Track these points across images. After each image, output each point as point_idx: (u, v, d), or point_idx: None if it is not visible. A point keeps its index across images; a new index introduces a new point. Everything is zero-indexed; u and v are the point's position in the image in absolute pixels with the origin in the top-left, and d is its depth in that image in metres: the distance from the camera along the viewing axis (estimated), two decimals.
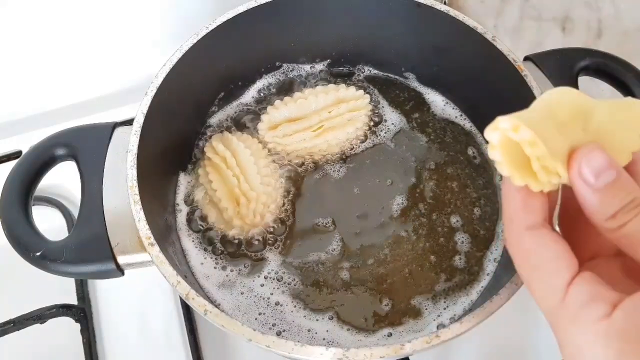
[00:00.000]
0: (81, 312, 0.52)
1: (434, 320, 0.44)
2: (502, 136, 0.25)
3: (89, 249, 0.40)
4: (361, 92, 0.53)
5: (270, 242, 0.48)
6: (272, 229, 0.48)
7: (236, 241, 0.48)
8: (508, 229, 0.27)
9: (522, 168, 0.26)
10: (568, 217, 0.30)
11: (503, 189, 0.28)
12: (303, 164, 0.52)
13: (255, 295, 0.45)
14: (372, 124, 0.53)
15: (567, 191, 0.27)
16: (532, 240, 0.26)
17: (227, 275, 0.46)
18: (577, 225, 0.29)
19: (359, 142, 0.53)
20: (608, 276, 0.27)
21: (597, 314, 0.24)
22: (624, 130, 0.27)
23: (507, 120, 0.25)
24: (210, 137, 0.52)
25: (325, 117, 0.51)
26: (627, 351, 0.23)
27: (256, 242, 0.48)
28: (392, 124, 0.54)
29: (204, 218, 0.48)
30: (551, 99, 0.27)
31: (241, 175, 0.47)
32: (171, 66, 0.45)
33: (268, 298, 0.45)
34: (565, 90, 0.27)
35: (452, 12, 0.47)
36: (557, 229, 0.30)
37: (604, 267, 0.28)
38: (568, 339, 0.26)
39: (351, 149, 0.52)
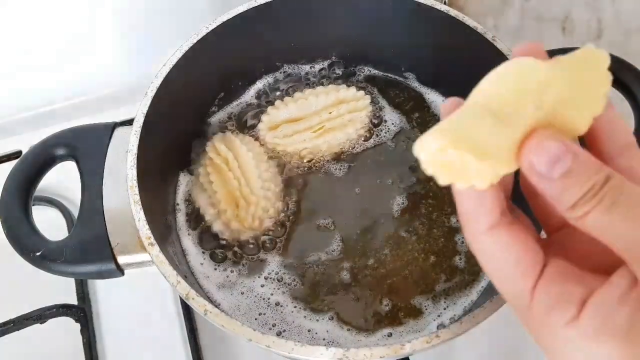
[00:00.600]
0: (81, 312, 0.52)
1: (434, 320, 0.44)
2: (430, 156, 0.24)
3: (89, 249, 0.40)
4: (362, 92, 0.53)
5: (268, 245, 0.48)
6: (271, 233, 0.48)
7: (235, 243, 0.48)
8: (465, 231, 0.26)
9: (462, 171, 0.24)
10: (529, 183, 0.28)
11: (455, 189, 0.25)
12: (303, 164, 0.52)
13: (255, 296, 0.45)
14: (372, 124, 0.53)
15: None
16: (490, 243, 0.25)
17: (227, 276, 0.46)
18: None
19: (359, 142, 0.53)
20: (580, 245, 0.26)
21: (564, 319, 0.23)
22: (584, 94, 0.24)
23: (433, 141, 0.23)
24: (210, 137, 0.52)
25: (326, 118, 0.51)
26: (597, 354, 0.23)
27: (255, 245, 0.48)
28: (392, 124, 0.54)
29: (202, 218, 0.48)
30: (484, 90, 0.24)
31: (242, 178, 0.47)
32: (171, 66, 0.45)
33: (268, 298, 0.45)
34: (506, 71, 0.24)
35: (452, 12, 0.47)
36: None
37: (575, 235, 0.26)
38: (541, 342, 0.25)
39: (351, 150, 0.52)
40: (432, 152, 0.23)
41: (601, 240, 0.23)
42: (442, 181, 0.24)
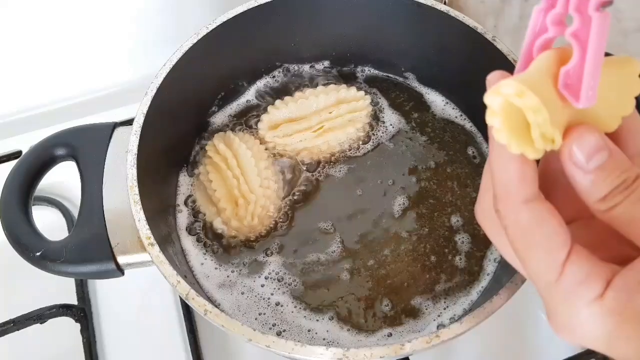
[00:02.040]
0: (81, 312, 0.52)
1: (434, 320, 0.44)
2: (504, 101, 0.24)
3: (89, 249, 0.40)
4: (362, 93, 0.53)
5: (268, 245, 0.48)
6: (271, 230, 0.48)
7: (235, 242, 0.48)
8: (503, 202, 0.26)
9: (519, 135, 0.24)
10: (547, 178, 0.29)
11: (493, 160, 0.26)
12: (303, 164, 0.52)
13: (255, 296, 0.45)
14: (372, 124, 0.53)
15: (547, 153, 0.26)
16: (530, 216, 0.25)
17: (227, 276, 0.46)
18: (557, 186, 0.28)
19: (359, 142, 0.53)
20: (591, 238, 0.27)
21: (591, 295, 0.24)
22: (618, 95, 0.26)
23: (511, 85, 0.23)
24: (211, 137, 0.52)
25: (326, 118, 0.51)
26: (617, 331, 0.24)
27: (255, 244, 0.48)
28: (392, 124, 0.54)
29: (202, 217, 0.48)
30: (550, 57, 0.25)
31: (241, 177, 0.47)
32: (171, 66, 0.45)
33: (268, 298, 0.45)
34: (562, 49, 0.25)
35: (452, 12, 0.47)
36: None
37: (586, 229, 0.28)
38: (560, 314, 0.26)
39: (351, 150, 0.52)
40: (509, 94, 0.23)
41: (624, 232, 0.25)
42: (503, 137, 0.24)
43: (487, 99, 0.24)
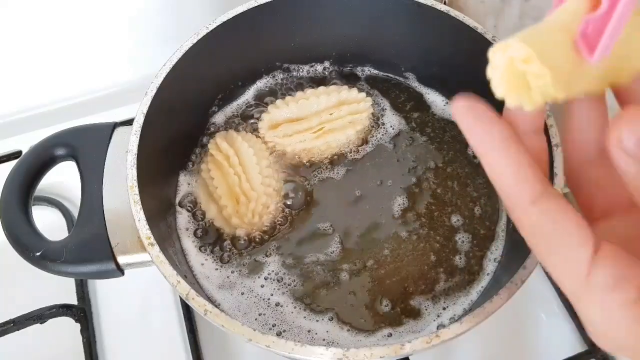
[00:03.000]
0: (81, 312, 0.52)
1: (434, 320, 0.44)
2: (508, 60, 0.23)
3: (89, 249, 0.40)
4: (363, 94, 0.53)
5: (269, 243, 0.48)
6: (271, 230, 0.48)
7: (236, 241, 0.48)
8: (509, 207, 0.25)
9: (516, 87, 0.23)
10: (574, 170, 0.27)
11: (486, 170, 0.24)
12: (303, 164, 0.52)
13: (255, 296, 0.45)
14: (372, 125, 0.53)
15: (571, 142, 0.25)
16: (539, 216, 0.24)
17: (227, 277, 0.46)
18: (586, 176, 0.26)
19: (359, 144, 0.53)
20: (629, 233, 0.25)
21: (624, 299, 0.22)
22: (636, 46, 0.24)
23: (520, 49, 0.22)
24: (211, 137, 0.52)
25: (326, 119, 0.51)
26: None
27: (255, 242, 0.48)
28: (392, 124, 0.54)
29: (204, 216, 0.48)
30: (568, 10, 0.23)
31: (243, 174, 0.48)
32: (171, 66, 0.45)
33: (268, 299, 0.45)
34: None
35: (452, 12, 0.47)
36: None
37: (621, 227, 0.26)
38: (593, 320, 0.24)
39: (351, 151, 0.52)
40: (515, 57, 0.23)
41: None
42: (499, 91, 0.24)
43: (492, 54, 0.23)
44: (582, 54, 0.23)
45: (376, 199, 0.50)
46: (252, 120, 0.54)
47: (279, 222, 0.49)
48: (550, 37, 0.23)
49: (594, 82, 0.25)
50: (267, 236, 0.48)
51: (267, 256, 0.47)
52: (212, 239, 0.48)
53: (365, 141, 0.53)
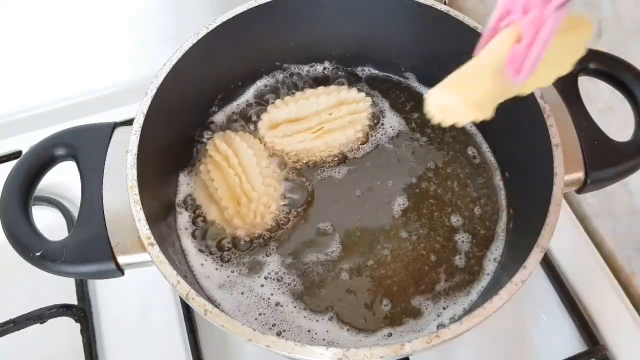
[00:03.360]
0: (81, 312, 0.52)
1: (434, 320, 0.44)
2: (435, 102, 0.31)
3: (89, 249, 0.40)
4: (362, 94, 0.53)
5: (273, 242, 0.48)
6: (272, 230, 0.48)
7: (236, 241, 0.48)
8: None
9: (443, 114, 0.31)
10: None
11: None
12: (303, 165, 0.52)
13: (255, 296, 0.45)
14: (372, 125, 0.53)
15: None
16: None
17: (227, 276, 0.46)
18: None
19: (359, 144, 0.53)
20: None
21: None
22: (560, 55, 0.30)
23: (440, 96, 0.31)
24: (211, 136, 0.52)
25: (325, 119, 0.51)
26: None
27: (256, 243, 0.48)
28: (392, 125, 0.54)
29: (204, 216, 0.48)
30: (509, 33, 0.30)
31: (243, 175, 0.47)
32: (171, 66, 0.45)
33: (268, 298, 0.45)
34: (518, 30, 0.29)
35: (452, 12, 0.47)
36: None
37: None
38: None
39: (351, 151, 0.52)
40: (435, 95, 0.31)
41: None
42: (435, 120, 0.31)
43: (426, 98, 0.32)
44: (509, 77, 0.30)
45: (376, 199, 0.50)
46: (252, 120, 0.54)
47: (280, 222, 0.49)
48: (478, 72, 0.31)
49: (518, 90, 0.31)
50: (267, 236, 0.48)
51: (267, 256, 0.47)
52: (213, 238, 0.48)
53: (365, 141, 0.53)
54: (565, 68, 0.31)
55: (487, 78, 0.30)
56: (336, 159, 0.52)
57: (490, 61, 0.30)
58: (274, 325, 0.44)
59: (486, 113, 0.30)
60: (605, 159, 0.44)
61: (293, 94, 0.54)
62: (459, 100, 0.30)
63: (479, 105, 0.30)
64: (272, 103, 0.53)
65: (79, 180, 0.43)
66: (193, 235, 0.48)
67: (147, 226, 0.39)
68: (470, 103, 0.30)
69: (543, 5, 0.28)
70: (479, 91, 0.30)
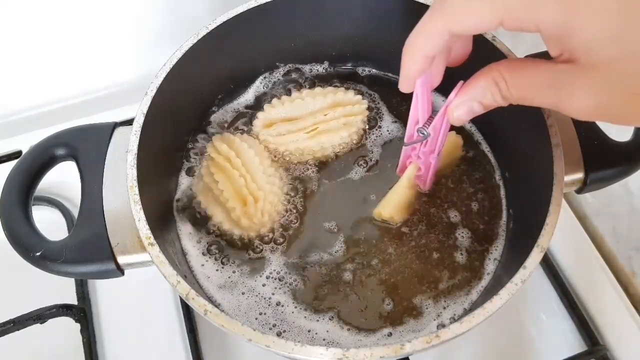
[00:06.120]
0: (81, 312, 0.52)
1: (434, 320, 0.44)
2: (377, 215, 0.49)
3: (89, 249, 0.40)
4: (359, 97, 0.53)
5: (275, 241, 0.48)
6: (277, 229, 0.48)
7: (240, 241, 0.48)
8: None
9: (387, 217, 0.48)
10: None
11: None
12: (301, 165, 0.52)
13: (256, 295, 0.45)
14: (368, 125, 0.53)
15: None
16: None
17: (228, 277, 0.46)
18: None
19: (354, 145, 0.52)
20: None
21: None
22: (446, 155, 0.48)
23: (379, 213, 0.48)
24: (211, 137, 0.52)
25: (320, 120, 0.51)
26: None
27: (260, 242, 0.48)
28: (389, 127, 0.54)
29: (208, 218, 0.48)
30: (413, 167, 0.47)
31: (247, 175, 0.47)
32: (171, 66, 0.45)
33: (269, 298, 0.45)
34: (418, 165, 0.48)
35: None
36: None
37: None
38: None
39: (349, 151, 0.52)
40: (378, 211, 0.48)
41: None
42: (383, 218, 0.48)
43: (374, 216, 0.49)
44: (419, 188, 0.49)
45: (376, 199, 0.50)
46: (251, 121, 0.54)
47: (286, 221, 0.49)
48: (399, 191, 0.47)
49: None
50: (272, 235, 0.48)
51: (269, 255, 0.47)
52: (213, 238, 0.48)
53: (361, 142, 0.53)
54: (451, 167, 0.51)
55: (405, 191, 0.47)
56: (336, 158, 0.52)
57: (405, 182, 0.47)
58: (274, 325, 0.44)
59: (407, 213, 0.49)
60: (605, 159, 0.44)
61: (292, 94, 0.54)
62: (389, 214, 0.47)
63: (402, 208, 0.48)
64: (269, 102, 0.53)
65: (79, 180, 0.43)
66: (193, 235, 0.48)
67: (147, 226, 0.39)
68: (406, 206, 0.48)
69: (428, 154, 0.45)
70: (411, 197, 0.48)
